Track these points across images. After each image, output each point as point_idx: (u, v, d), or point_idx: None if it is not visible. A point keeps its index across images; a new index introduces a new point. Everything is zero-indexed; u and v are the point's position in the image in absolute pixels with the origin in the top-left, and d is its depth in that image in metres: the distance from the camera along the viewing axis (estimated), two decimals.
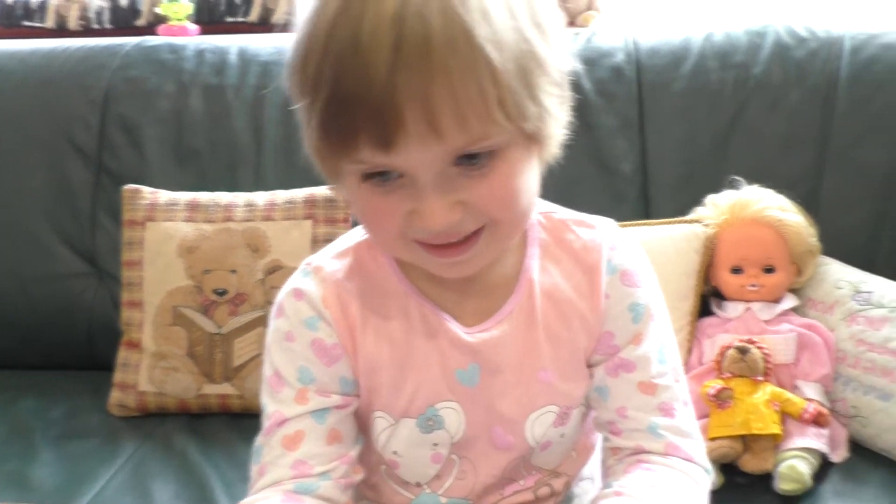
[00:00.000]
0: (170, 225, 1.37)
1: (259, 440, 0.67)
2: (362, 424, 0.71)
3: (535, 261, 0.67)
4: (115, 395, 1.35)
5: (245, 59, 1.57)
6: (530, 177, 0.58)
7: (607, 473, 0.70)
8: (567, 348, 0.68)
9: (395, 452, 0.70)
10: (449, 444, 0.69)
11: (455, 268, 0.60)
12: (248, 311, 1.33)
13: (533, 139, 0.56)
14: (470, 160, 0.54)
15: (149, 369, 1.34)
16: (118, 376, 1.35)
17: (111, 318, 1.45)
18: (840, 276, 1.25)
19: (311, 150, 0.58)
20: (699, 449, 0.68)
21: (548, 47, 0.55)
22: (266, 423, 0.67)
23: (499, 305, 0.67)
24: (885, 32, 1.37)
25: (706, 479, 0.68)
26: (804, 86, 1.36)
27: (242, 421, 1.30)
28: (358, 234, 0.70)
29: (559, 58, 0.57)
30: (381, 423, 0.70)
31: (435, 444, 0.69)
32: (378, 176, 0.55)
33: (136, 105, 1.54)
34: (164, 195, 1.41)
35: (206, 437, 1.28)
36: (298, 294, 0.67)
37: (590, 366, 0.70)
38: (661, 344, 0.68)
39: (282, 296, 0.69)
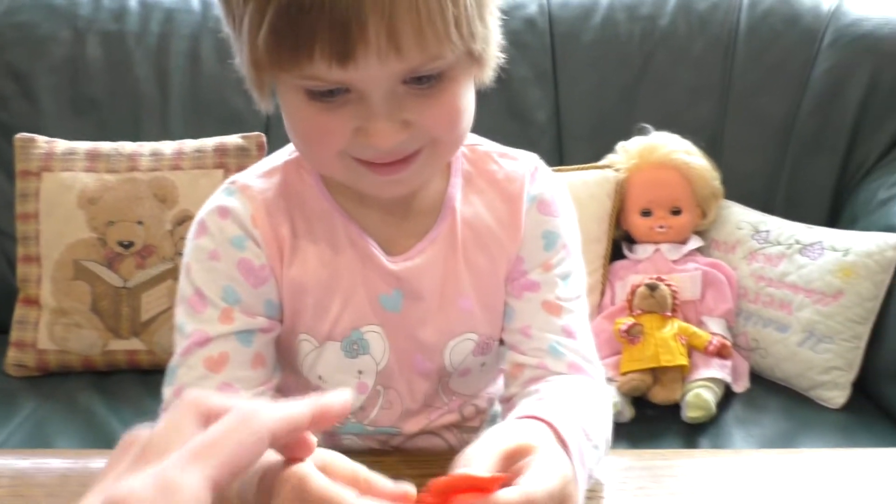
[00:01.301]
0: (68, 175, 1.30)
1: (175, 360, 0.63)
2: (286, 350, 0.70)
3: (457, 190, 0.67)
4: (12, 355, 1.27)
5: (147, 5, 1.49)
6: (470, 98, 0.59)
7: (510, 405, 0.66)
8: (488, 278, 0.68)
9: (319, 377, 0.69)
10: (374, 373, 0.68)
11: (391, 186, 0.59)
12: (156, 264, 1.28)
13: (477, 61, 0.56)
14: (418, 80, 0.53)
15: (49, 326, 1.27)
16: (14, 335, 1.28)
17: (4, 275, 1.36)
18: (741, 217, 1.31)
19: (248, 61, 0.54)
20: (601, 376, 0.67)
21: None
22: (184, 342, 0.63)
23: (422, 232, 0.66)
24: None
25: (610, 401, 0.67)
26: (706, 37, 1.42)
27: (153, 377, 1.24)
28: (284, 154, 0.68)
29: None
30: (306, 347, 0.68)
31: (360, 372, 0.68)
32: (324, 93, 0.53)
33: (26, 52, 1.45)
34: (61, 144, 1.33)
35: (113, 394, 1.23)
36: (223, 212, 0.64)
37: None
38: (569, 274, 0.68)
39: (203, 213, 0.65)
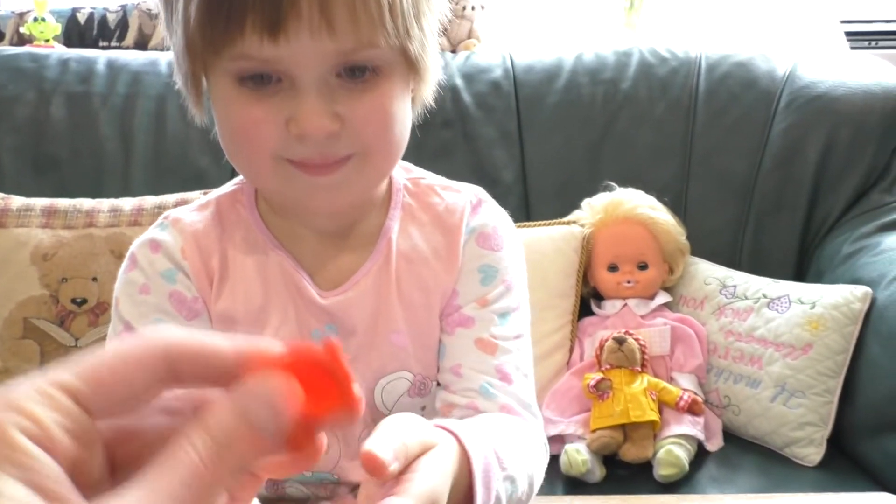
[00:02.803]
0: (22, 231, 1.26)
1: None
2: None
3: (395, 223, 0.65)
4: None
5: (114, 68, 1.50)
6: (405, 109, 0.58)
7: None
8: (422, 313, 0.65)
9: None
10: None
11: (323, 193, 0.57)
12: (110, 321, 1.23)
13: (413, 67, 0.56)
14: (352, 74, 0.53)
15: None
16: None
17: None
18: (708, 273, 1.31)
19: (181, 46, 0.54)
20: (538, 424, 0.63)
21: None
22: None
23: (356, 265, 0.64)
24: (735, 53, 1.48)
25: (544, 450, 0.63)
26: (667, 100, 1.45)
27: None
28: (220, 190, 0.67)
29: (440, 3, 0.58)
30: None
31: None
32: (255, 79, 0.53)
33: None
34: (17, 201, 1.30)
35: None
36: (155, 246, 0.63)
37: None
38: (508, 311, 0.64)
39: (135, 247, 0.64)
